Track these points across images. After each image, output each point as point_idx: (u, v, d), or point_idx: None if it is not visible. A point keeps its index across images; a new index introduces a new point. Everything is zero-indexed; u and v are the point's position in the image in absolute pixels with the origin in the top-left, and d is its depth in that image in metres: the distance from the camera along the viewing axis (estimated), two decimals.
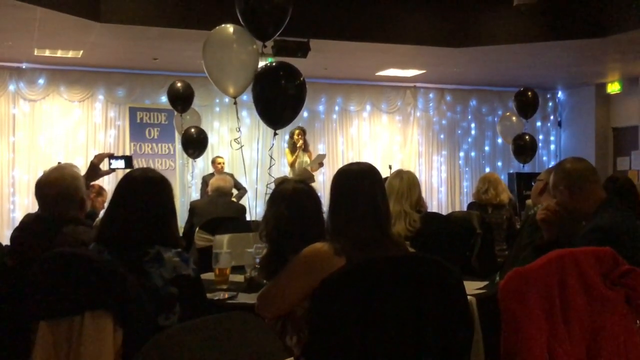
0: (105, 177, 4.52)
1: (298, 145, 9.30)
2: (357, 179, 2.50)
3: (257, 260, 3.33)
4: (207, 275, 3.65)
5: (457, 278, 2.20)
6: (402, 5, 9.14)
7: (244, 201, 9.32)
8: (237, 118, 4.85)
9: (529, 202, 4.38)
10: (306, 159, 9.61)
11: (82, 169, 3.65)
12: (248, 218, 6.68)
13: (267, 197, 2.89)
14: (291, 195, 2.70)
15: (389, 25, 9.10)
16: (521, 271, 2.13)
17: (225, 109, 11.41)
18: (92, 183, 4.13)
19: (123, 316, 2.23)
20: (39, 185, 3.07)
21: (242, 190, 9.62)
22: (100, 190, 6.31)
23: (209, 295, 3.06)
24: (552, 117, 13.92)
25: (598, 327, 2.23)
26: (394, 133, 12.98)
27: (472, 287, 3.20)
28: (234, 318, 1.44)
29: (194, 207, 6.15)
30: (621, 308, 2.29)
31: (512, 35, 9.28)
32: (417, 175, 12.97)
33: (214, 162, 9.95)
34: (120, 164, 3.71)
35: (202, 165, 11.08)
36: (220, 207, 5.97)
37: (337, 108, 12.60)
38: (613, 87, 12.66)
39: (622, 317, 2.29)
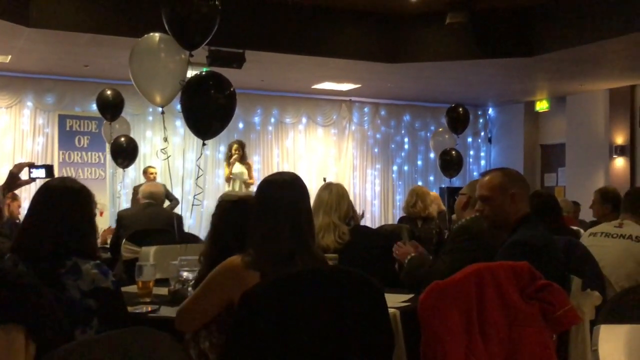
0: (32, 186, 4.38)
1: (232, 159, 9.35)
2: (279, 189, 2.47)
3: (182, 273, 3.29)
4: (132, 288, 3.57)
5: (378, 291, 2.20)
6: (338, 19, 9.24)
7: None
8: (164, 127, 4.77)
9: (454, 216, 4.45)
10: (244, 170, 9.64)
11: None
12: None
13: (192, 207, 2.87)
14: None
15: (325, 39, 9.18)
16: (440, 285, 2.16)
17: (157, 118, 11.24)
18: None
19: (36, 330, 2.15)
20: None
21: (174, 202, 9.48)
22: (15, 195, 6.17)
23: (130, 309, 2.98)
24: (482, 133, 14.24)
25: (515, 341, 2.27)
26: (329, 146, 13.05)
27: (398, 300, 3.21)
28: (141, 333, 1.40)
29: (121, 218, 5.98)
30: (538, 322, 2.34)
31: (444, 53, 9.48)
32: (351, 188, 13.13)
33: (145, 172, 9.80)
34: (41, 173, 3.59)
35: (133, 175, 10.89)
36: (147, 217, 5.80)
37: (272, 120, 12.60)
38: (541, 105, 13.05)
39: (538, 331, 2.34)
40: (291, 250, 2.37)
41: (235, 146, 9.68)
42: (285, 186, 2.48)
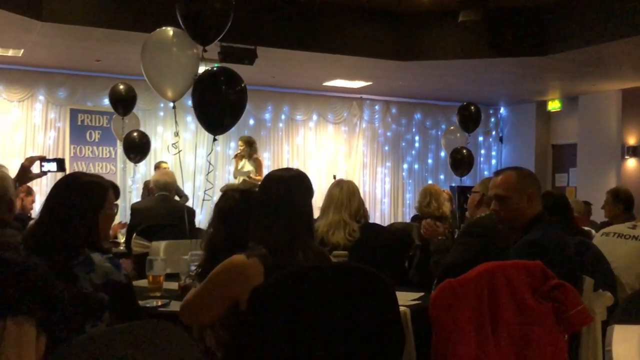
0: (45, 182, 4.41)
1: (237, 154, 9.34)
2: (277, 184, 2.47)
3: (193, 268, 3.29)
4: (142, 282, 3.58)
5: (388, 288, 2.19)
6: (351, 17, 9.23)
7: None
8: (176, 122, 4.77)
9: (467, 213, 4.43)
10: (249, 167, 9.59)
11: None
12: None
13: (203, 202, 2.89)
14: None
15: (337, 36, 9.17)
16: (452, 283, 2.14)
17: (169, 114, 11.27)
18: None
19: (47, 322, 2.15)
20: None
21: (183, 198, 9.48)
22: (30, 190, 6.22)
23: (141, 303, 2.99)
24: (493, 133, 14.20)
25: (526, 340, 2.26)
26: (339, 143, 13.04)
27: (408, 298, 3.21)
28: (154, 326, 1.40)
29: (134, 210, 5.91)
30: (549, 321, 2.32)
31: (456, 51, 9.45)
32: (361, 186, 13.12)
33: (157, 167, 9.80)
34: (52, 166, 3.61)
35: (143, 170, 10.92)
36: (161, 210, 5.71)
37: (283, 117, 12.60)
38: (553, 105, 12.99)
39: (550, 330, 2.32)
40: (288, 245, 2.38)
41: (239, 142, 9.63)
42: (283, 181, 2.47)
